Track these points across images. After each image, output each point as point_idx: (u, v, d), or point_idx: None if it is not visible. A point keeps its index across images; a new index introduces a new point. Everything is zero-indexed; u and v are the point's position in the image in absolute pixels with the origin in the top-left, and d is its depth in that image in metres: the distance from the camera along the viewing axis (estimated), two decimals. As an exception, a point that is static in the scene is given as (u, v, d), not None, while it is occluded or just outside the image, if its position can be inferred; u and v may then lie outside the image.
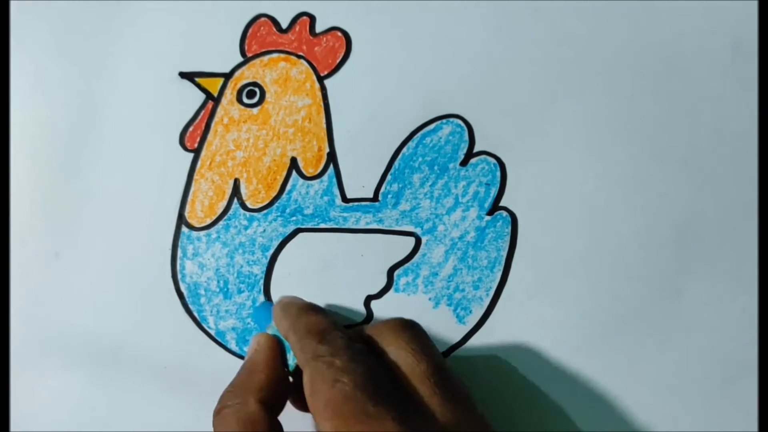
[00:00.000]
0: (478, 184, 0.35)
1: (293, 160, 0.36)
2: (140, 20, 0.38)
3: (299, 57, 0.37)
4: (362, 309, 0.35)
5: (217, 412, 0.28)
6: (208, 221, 0.36)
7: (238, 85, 0.37)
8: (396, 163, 0.35)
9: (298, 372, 0.29)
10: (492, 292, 0.34)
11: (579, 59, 0.35)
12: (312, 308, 0.31)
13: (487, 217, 0.34)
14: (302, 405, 0.30)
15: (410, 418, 0.24)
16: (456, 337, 0.34)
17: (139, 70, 0.38)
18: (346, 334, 0.28)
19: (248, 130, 0.36)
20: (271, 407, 0.28)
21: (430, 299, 0.34)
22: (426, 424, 0.24)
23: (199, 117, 0.37)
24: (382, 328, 0.29)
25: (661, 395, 0.32)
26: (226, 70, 0.37)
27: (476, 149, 0.35)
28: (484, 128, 0.35)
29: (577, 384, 0.33)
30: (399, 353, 0.27)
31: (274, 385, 0.29)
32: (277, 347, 0.30)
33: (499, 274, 0.34)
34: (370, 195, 0.35)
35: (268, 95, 0.36)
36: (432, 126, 0.35)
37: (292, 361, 0.30)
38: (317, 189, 0.35)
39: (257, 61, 0.37)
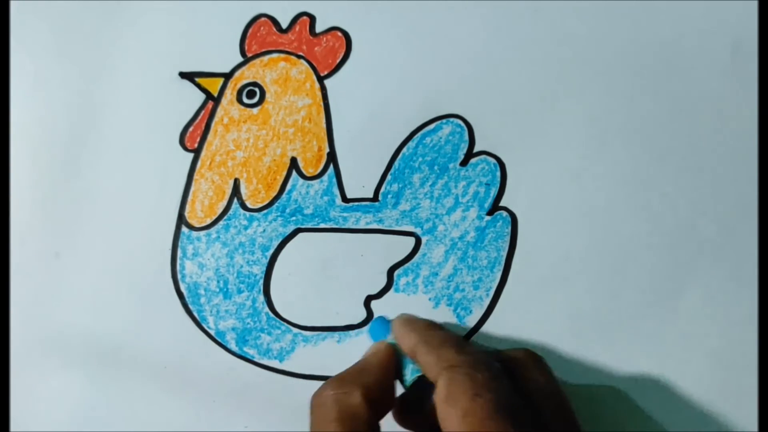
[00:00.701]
0: (478, 184, 0.35)
1: (293, 160, 0.36)
2: (140, 20, 0.38)
3: (299, 57, 0.37)
4: (362, 309, 0.35)
5: (317, 395, 0.28)
6: (208, 221, 0.36)
7: (238, 85, 0.37)
8: (396, 163, 0.35)
9: (415, 387, 0.29)
10: (492, 292, 0.34)
11: (579, 59, 0.35)
12: (439, 325, 0.31)
13: (487, 217, 0.34)
14: (406, 420, 0.30)
15: None
16: (456, 337, 0.34)
17: (139, 70, 0.38)
18: (483, 350, 0.28)
19: (248, 130, 0.36)
20: (375, 408, 0.27)
21: (430, 299, 0.34)
22: None
23: (199, 117, 0.37)
24: (515, 355, 0.29)
25: (661, 395, 0.32)
26: (226, 70, 0.37)
27: (476, 149, 0.35)
28: (484, 128, 0.35)
29: (576, 384, 0.33)
30: (536, 384, 0.28)
31: (383, 389, 0.29)
32: (394, 357, 0.30)
33: (499, 274, 0.34)
34: (370, 195, 0.35)
35: (268, 95, 0.36)
36: (432, 126, 0.35)
37: (409, 375, 0.30)
38: (317, 189, 0.35)
39: (257, 61, 0.37)
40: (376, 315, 0.34)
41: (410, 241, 0.35)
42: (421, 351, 0.28)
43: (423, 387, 0.29)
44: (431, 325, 0.30)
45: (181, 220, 0.36)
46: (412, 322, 0.31)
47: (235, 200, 0.36)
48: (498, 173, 0.35)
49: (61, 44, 0.38)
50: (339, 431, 0.26)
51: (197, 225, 0.36)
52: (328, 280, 0.35)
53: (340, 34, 0.37)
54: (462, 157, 0.35)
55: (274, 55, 0.37)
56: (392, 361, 0.30)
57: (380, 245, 0.35)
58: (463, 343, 0.28)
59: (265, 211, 0.36)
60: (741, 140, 0.33)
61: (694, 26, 0.34)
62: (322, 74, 0.36)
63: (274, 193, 0.36)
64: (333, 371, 0.34)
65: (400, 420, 0.31)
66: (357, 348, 0.34)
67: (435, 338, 0.28)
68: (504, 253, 0.34)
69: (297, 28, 0.37)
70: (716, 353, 0.32)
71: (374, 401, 0.27)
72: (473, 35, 0.36)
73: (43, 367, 0.37)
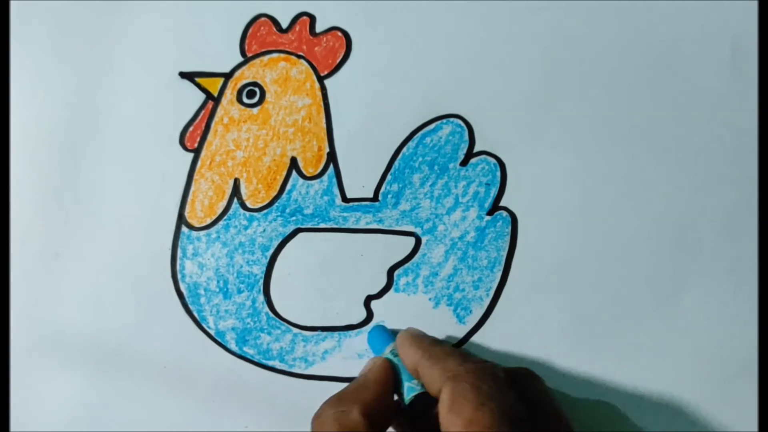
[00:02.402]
0: (478, 184, 0.35)
1: (293, 160, 0.36)
2: (140, 20, 0.38)
3: (299, 57, 0.37)
4: (362, 309, 0.35)
5: (317, 416, 0.28)
6: (208, 221, 0.36)
7: (238, 85, 0.37)
8: (396, 163, 0.35)
9: (414, 403, 0.29)
10: (492, 292, 0.34)
11: (579, 59, 0.35)
12: (444, 342, 0.31)
13: (487, 217, 0.34)
14: None
15: None
16: (456, 337, 0.34)
17: (139, 70, 0.38)
18: (488, 362, 0.28)
19: (248, 129, 0.36)
20: (374, 425, 0.27)
21: (430, 299, 0.34)
22: None
23: (199, 117, 0.37)
24: (520, 371, 0.29)
25: (660, 395, 0.32)
26: (226, 70, 0.37)
27: (476, 149, 0.35)
28: (484, 128, 0.35)
29: (576, 384, 0.33)
30: (541, 396, 0.28)
31: (381, 405, 0.29)
32: (392, 372, 0.30)
33: (499, 274, 0.34)
34: (370, 195, 0.35)
35: (268, 95, 0.36)
36: (432, 126, 0.35)
37: (408, 391, 0.30)
38: (317, 189, 0.35)
39: (257, 61, 0.37)
40: (375, 317, 0.34)
41: (410, 241, 0.35)
42: (424, 365, 0.28)
43: (422, 403, 0.29)
44: (436, 341, 0.31)
45: (181, 219, 0.36)
46: (416, 338, 0.31)
47: (235, 200, 0.36)
48: (498, 173, 0.35)
49: (61, 44, 0.38)
50: None
51: (197, 225, 0.36)
52: (328, 280, 0.35)
53: (340, 34, 0.37)
54: (462, 157, 0.35)
55: (274, 55, 0.37)
56: (390, 376, 0.30)
57: (380, 245, 0.35)
58: (466, 356, 0.28)
59: (265, 211, 0.36)
60: (741, 140, 0.33)
61: (694, 26, 0.34)
62: (322, 74, 0.36)
63: (274, 193, 0.36)
64: (333, 371, 0.34)
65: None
66: (357, 348, 0.34)
67: (440, 352, 0.29)
68: (504, 253, 0.34)
69: (297, 28, 0.37)
70: (716, 353, 0.32)
71: (373, 418, 0.27)
72: (473, 35, 0.36)
73: (43, 367, 0.37)
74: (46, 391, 0.36)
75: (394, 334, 0.33)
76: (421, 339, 0.31)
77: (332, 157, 0.36)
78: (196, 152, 0.36)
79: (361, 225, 0.35)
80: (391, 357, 0.31)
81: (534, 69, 0.35)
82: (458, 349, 0.29)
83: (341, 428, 0.27)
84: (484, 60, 0.35)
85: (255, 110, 0.36)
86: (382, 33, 0.36)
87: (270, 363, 0.35)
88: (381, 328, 0.34)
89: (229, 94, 0.37)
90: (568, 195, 0.34)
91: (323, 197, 0.35)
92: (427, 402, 0.29)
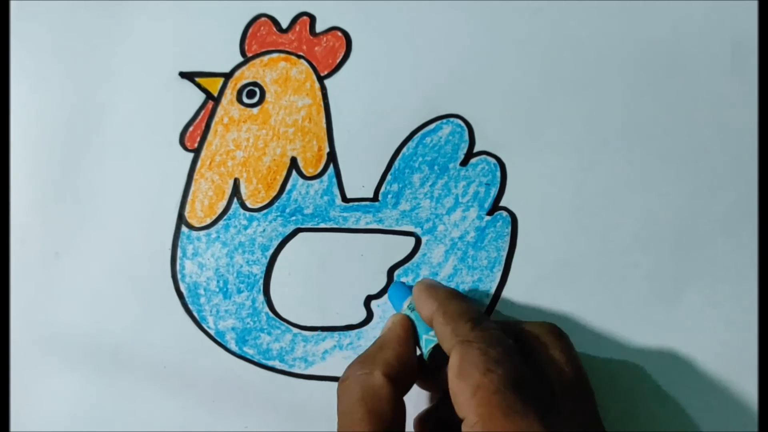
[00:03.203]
0: (478, 184, 0.35)
1: (293, 160, 0.36)
2: (140, 20, 0.38)
3: (299, 57, 0.37)
4: (362, 309, 0.35)
5: (343, 379, 0.28)
6: (208, 221, 0.36)
7: (238, 85, 0.37)
8: (396, 163, 0.35)
9: (433, 354, 0.29)
10: (492, 292, 0.34)
11: (579, 59, 0.35)
12: (460, 294, 0.31)
13: (487, 217, 0.34)
14: (429, 386, 0.31)
15: (552, 422, 0.24)
16: (456, 337, 0.34)
17: (139, 70, 0.38)
18: (498, 326, 0.28)
19: (248, 129, 0.36)
20: (397, 384, 0.28)
21: (430, 299, 0.34)
22: (564, 428, 0.25)
23: (199, 117, 0.37)
24: (536, 330, 0.29)
25: (660, 395, 0.32)
26: (226, 70, 0.37)
27: (476, 149, 0.35)
28: (484, 128, 0.35)
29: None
30: (551, 359, 0.28)
31: (403, 364, 0.29)
32: (411, 327, 0.30)
33: (499, 274, 0.34)
34: (370, 195, 0.35)
35: (268, 95, 0.36)
36: (432, 126, 0.35)
37: (426, 344, 0.30)
38: (317, 189, 0.35)
39: (257, 61, 0.37)
40: (375, 317, 0.34)
41: (410, 241, 0.35)
42: (438, 321, 0.28)
43: (440, 354, 0.29)
44: (452, 294, 0.30)
45: (181, 219, 0.36)
46: (433, 288, 0.31)
47: (235, 200, 0.36)
48: (498, 173, 0.35)
49: (61, 44, 0.38)
50: (364, 412, 0.26)
51: (197, 225, 0.36)
52: (328, 280, 0.35)
53: (340, 34, 0.37)
54: (462, 157, 0.35)
55: (274, 55, 0.37)
56: (410, 333, 0.30)
57: (380, 245, 0.35)
58: (480, 317, 0.28)
59: (264, 211, 0.36)
60: (741, 140, 0.33)
61: (694, 26, 0.34)
62: (322, 74, 0.36)
63: (274, 193, 0.36)
64: (333, 371, 0.34)
65: (423, 385, 0.32)
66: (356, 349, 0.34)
67: (453, 309, 0.28)
68: (504, 253, 0.34)
69: (297, 28, 0.37)
70: (716, 353, 0.32)
71: (396, 378, 0.27)
72: (473, 35, 0.36)
73: (43, 367, 0.37)
74: (46, 391, 0.36)
75: (410, 288, 0.33)
76: (436, 290, 0.30)
77: (332, 157, 0.36)
78: (196, 152, 0.36)
79: (361, 225, 0.35)
80: (408, 312, 0.31)
81: (534, 69, 0.35)
82: (473, 306, 0.29)
83: (364, 391, 0.27)
84: (484, 60, 0.35)
85: (255, 110, 0.36)
86: (382, 33, 0.36)
87: (270, 363, 0.35)
88: (399, 284, 0.34)
89: (229, 94, 0.37)
90: (568, 195, 0.34)
91: (323, 197, 0.35)
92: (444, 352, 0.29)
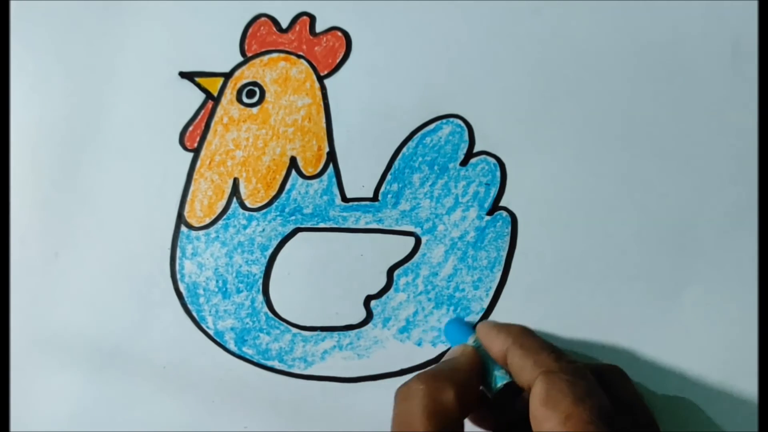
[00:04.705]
0: (478, 184, 0.35)
1: (293, 160, 0.36)
2: (140, 20, 0.38)
3: (299, 57, 0.37)
4: (362, 309, 0.35)
5: (407, 387, 0.28)
6: (208, 221, 0.36)
7: (238, 85, 0.37)
8: (396, 163, 0.35)
9: (504, 390, 0.29)
10: (492, 292, 0.34)
11: (579, 59, 0.35)
12: (533, 331, 0.31)
13: (487, 217, 0.34)
14: (481, 421, 0.31)
15: None
16: (456, 337, 0.34)
17: (139, 70, 0.38)
18: (580, 362, 0.28)
19: (248, 129, 0.36)
20: (463, 409, 0.27)
21: (430, 299, 0.34)
22: None
23: (199, 117, 0.37)
24: (607, 370, 0.30)
25: (660, 395, 0.32)
26: (226, 69, 0.37)
27: (476, 149, 0.35)
28: (484, 128, 0.35)
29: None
30: (626, 398, 0.28)
31: (471, 391, 0.29)
32: (480, 360, 0.30)
33: (499, 274, 0.34)
34: (370, 195, 0.35)
35: (267, 95, 0.36)
36: (432, 126, 0.35)
37: (497, 380, 0.29)
38: (317, 188, 0.35)
39: (257, 60, 0.37)
40: (375, 317, 0.34)
41: (410, 241, 0.35)
42: (515, 354, 0.28)
43: (508, 392, 0.29)
44: (526, 329, 0.30)
45: (181, 219, 0.36)
46: (503, 326, 0.30)
47: (235, 200, 0.36)
48: (498, 173, 0.35)
49: (61, 44, 0.38)
50: (427, 425, 0.26)
51: (196, 224, 0.36)
52: (328, 280, 0.35)
53: (340, 34, 0.37)
54: (462, 157, 0.35)
55: (274, 55, 0.37)
56: (479, 364, 0.30)
57: (380, 245, 0.35)
58: (559, 351, 0.28)
59: (264, 211, 0.36)
60: (741, 140, 0.33)
61: (694, 26, 0.34)
62: (322, 74, 0.36)
63: (273, 193, 0.36)
64: (332, 371, 0.34)
65: (476, 419, 0.31)
66: (357, 349, 0.34)
67: (531, 343, 0.28)
68: (504, 253, 0.34)
69: (297, 27, 0.37)
70: (716, 353, 0.32)
71: (463, 402, 0.27)
72: (473, 35, 0.36)
73: (43, 367, 0.37)
74: (46, 391, 0.36)
75: (469, 325, 0.33)
76: (508, 326, 0.30)
77: (332, 156, 0.36)
78: (196, 152, 0.36)
79: (361, 225, 0.35)
80: (477, 345, 0.31)
81: (534, 69, 0.35)
82: (549, 342, 0.29)
83: (435, 406, 0.26)
84: (484, 60, 0.35)
85: (255, 110, 0.36)
86: (382, 33, 0.36)
87: (269, 363, 0.35)
88: (458, 320, 0.34)
89: (229, 93, 0.37)
90: (568, 195, 0.34)
91: (323, 197, 0.35)
92: (515, 391, 0.28)
